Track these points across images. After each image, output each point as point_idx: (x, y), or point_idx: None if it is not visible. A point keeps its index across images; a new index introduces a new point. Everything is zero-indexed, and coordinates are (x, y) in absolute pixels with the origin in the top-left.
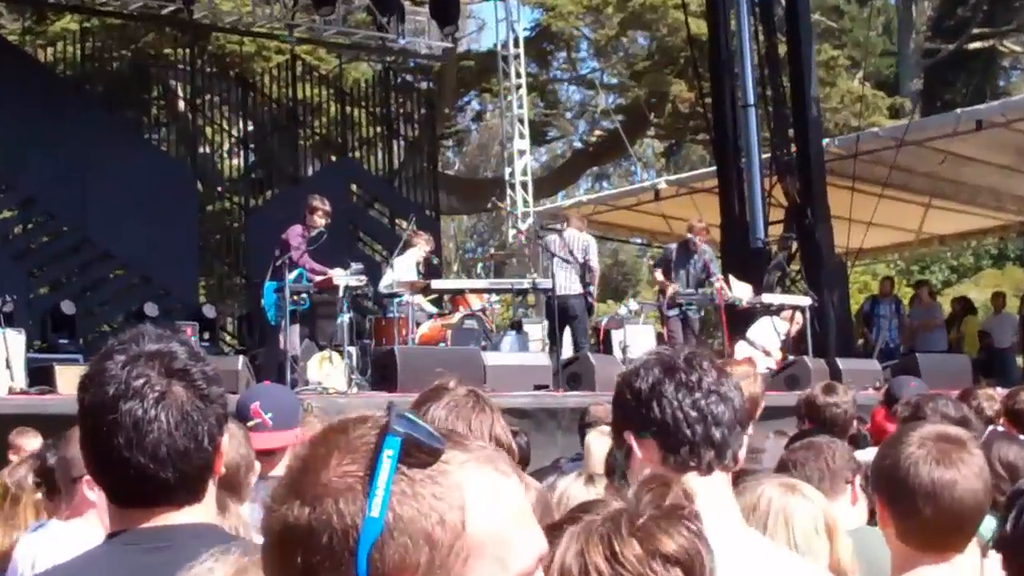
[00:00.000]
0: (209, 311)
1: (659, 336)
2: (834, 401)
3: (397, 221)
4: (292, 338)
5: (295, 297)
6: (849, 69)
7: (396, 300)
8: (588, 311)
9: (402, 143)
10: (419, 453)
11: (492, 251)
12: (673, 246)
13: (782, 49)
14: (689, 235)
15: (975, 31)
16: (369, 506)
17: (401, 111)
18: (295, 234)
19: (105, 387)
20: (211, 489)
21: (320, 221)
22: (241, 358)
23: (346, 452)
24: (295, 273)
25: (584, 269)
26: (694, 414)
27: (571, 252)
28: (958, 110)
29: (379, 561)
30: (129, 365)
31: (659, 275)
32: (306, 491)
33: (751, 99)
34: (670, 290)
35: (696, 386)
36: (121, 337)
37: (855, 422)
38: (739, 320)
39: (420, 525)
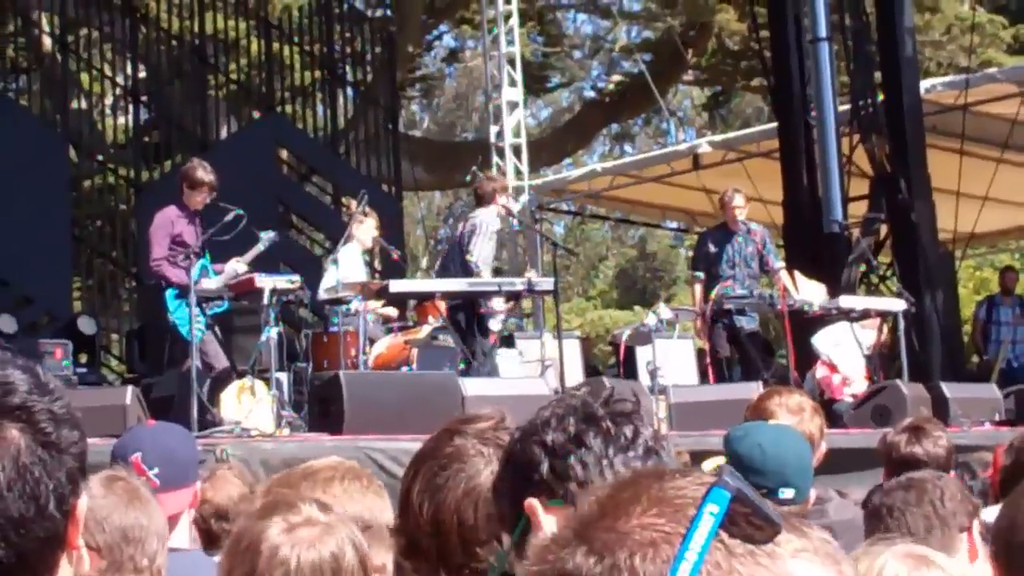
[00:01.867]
0: (87, 325)
1: (700, 353)
2: (921, 452)
3: (343, 200)
4: (216, 355)
5: (213, 301)
6: None
7: (342, 308)
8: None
9: (350, 93)
10: (748, 523)
11: None
12: (709, 231)
13: None
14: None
15: None
16: (674, 570)
17: (348, 50)
18: (161, 222)
19: None
20: (65, 571)
21: (201, 199)
22: (130, 389)
23: (656, 501)
24: (197, 266)
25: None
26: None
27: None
28: None
29: None
30: None
31: (697, 289)
32: (596, 537)
33: (823, 31)
34: (715, 291)
35: (630, 443)
36: None
37: (958, 473)
38: (809, 331)
39: None
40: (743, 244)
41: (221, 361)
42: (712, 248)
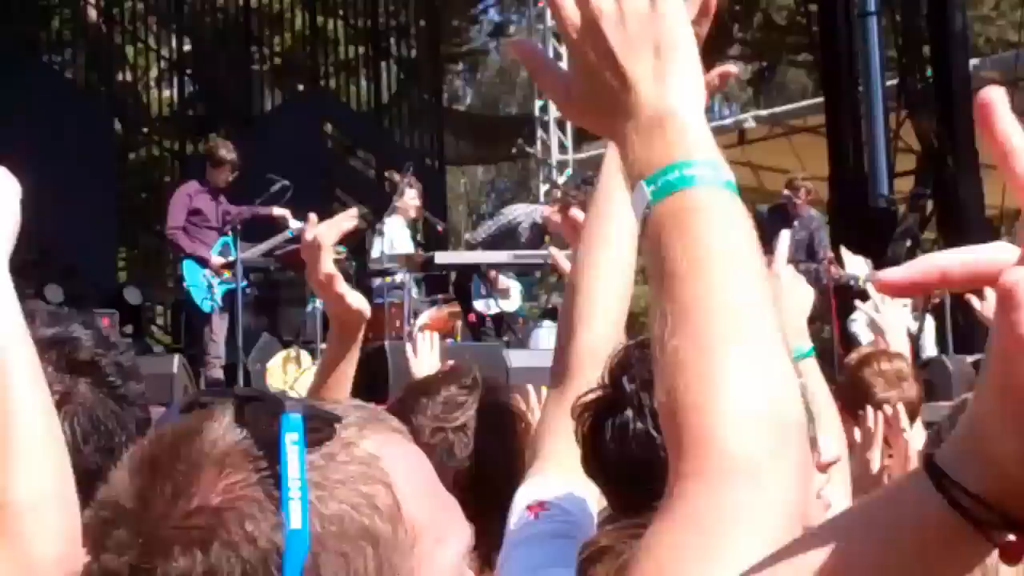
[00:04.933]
0: (132, 295)
1: None
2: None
3: (387, 173)
4: (217, 332)
5: (227, 274)
6: None
7: (388, 280)
8: None
9: (394, 68)
10: (312, 431)
11: None
12: (764, 209)
13: None
14: (787, 193)
15: None
16: (286, 516)
17: (393, 24)
18: (179, 195)
19: None
20: None
21: (224, 177)
22: (176, 357)
23: (214, 461)
24: (219, 242)
25: None
26: None
27: None
28: None
29: None
30: None
31: None
32: (173, 534)
33: (872, 5)
34: None
35: None
36: None
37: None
38: (854, 307)
39: (355, 521)
40: (798, 229)
41: (219, 347)
42: (765, 225)
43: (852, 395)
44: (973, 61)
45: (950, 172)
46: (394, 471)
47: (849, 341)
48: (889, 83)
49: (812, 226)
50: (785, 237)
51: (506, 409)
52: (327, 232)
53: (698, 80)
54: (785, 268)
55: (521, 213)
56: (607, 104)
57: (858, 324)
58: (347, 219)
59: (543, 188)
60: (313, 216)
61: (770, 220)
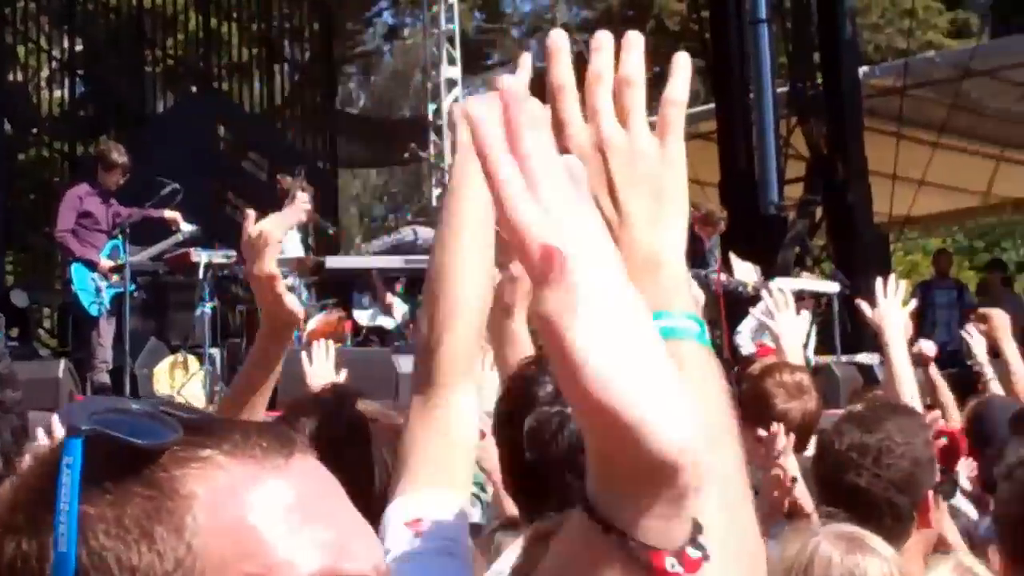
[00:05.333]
0: (19, 298)
1: None
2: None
3: (279, 176)
4: (104, 336)
5: (116, 277)
6: None
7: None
8: None
9: (288, 70)
10: (121, 456)
11: (410, 218)
12: None
13: None
14: (695, 221)
15: None
16: (55, 538)
17: (287, 26)
18: (69, 197)
19: None
20: None
21: (115, 180)
22: (62, 362)
23: (21, 476)
24: (108, 246)
25: None
26: None
27: None
28: None
29: None
30: None
31: None
32: None
33: (763, 12)
34: None
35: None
36: None
37: None
38: (743, 312)
39: (122, 556)
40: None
41: (106, 352)
42: None
43: (753, 405)
44: (862, 68)
45: (839, 179)
46: (207, 505)
47: (734, 351)
48: (780, 90)
49: (713, 247)
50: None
51: (356, 419)
52: (275, 227)
53: (684, 229)
54: None
55: (421, 232)
56: None
57: (742, 336)
58: (295, 213)
59: (436, 192)
60: (251, 212)
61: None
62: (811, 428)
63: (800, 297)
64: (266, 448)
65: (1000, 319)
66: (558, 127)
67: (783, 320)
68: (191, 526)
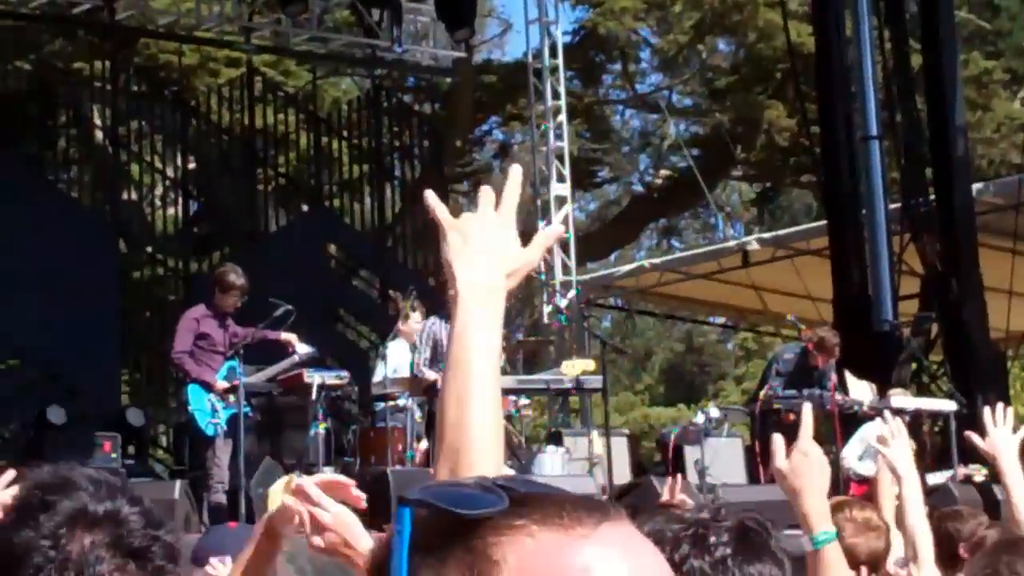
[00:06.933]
0: (135, 417)
1: (748, 451)
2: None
3: (391, 294)
4: (220, 456)
5: (232, 398)
6: (1009, 86)
7: (390, 404)
8: None
9: (398, 188)
10: (445, 524)
11: (520, 336)
12: (788, 352)
13: (916, 60)
14: (810, 347)
15: None
16: None
17: (397, 144)
18: (187, 319)
19: (26, 556)
20: None
21: (232, 302)
22: (179, 483)
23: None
24: (224, 367)
25: None
26: None
27: None
28: None
29: None
30: (64, 530)
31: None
32: None
33: (874, 129)
34: (763, 393)
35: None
36: (41, 478)
37: None
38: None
39: None
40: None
41: (222, 472)
42: (783, 367)
43: None
44: (976, 185)
45: (954, 295)
46: (514, 573)
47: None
48: (892, 206)
49: (831, 373)
50: (808, 411)
51: None
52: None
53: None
54: (812, 446)
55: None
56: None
57: (848, 460)
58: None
59: (547, 309)
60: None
61: (793, 362)
62: (878, 565)
63: (917, 415)
64: (575, 516)
65: None
66: None
67: (897, 448)
68: None
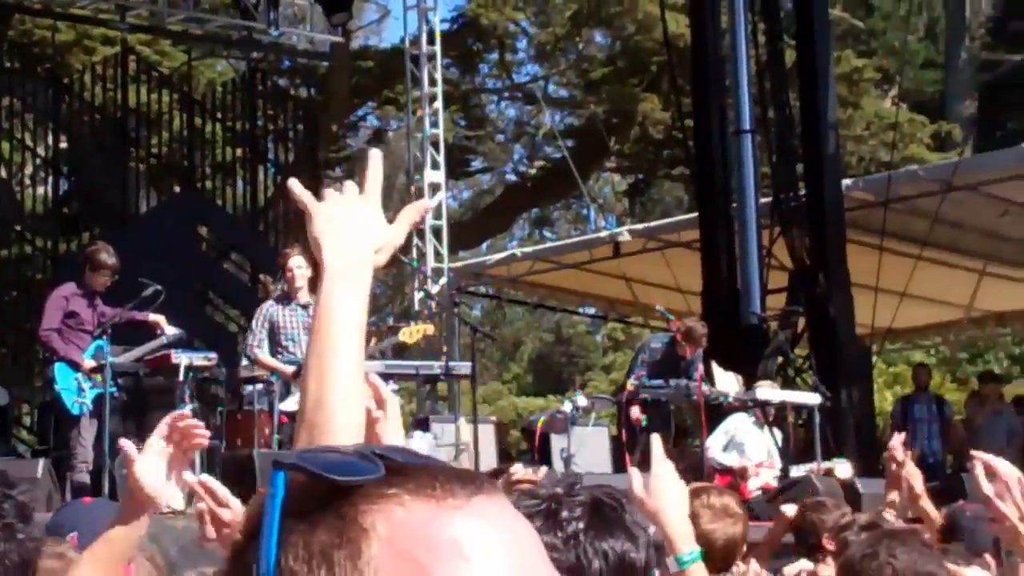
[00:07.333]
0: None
1: (615, 440)
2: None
3: (262, 278)
4: (85, 436)
5: (98, 377)
6: (880, 85)
7: (258, 386)
8: None
9: (272, 171)
10: (319, 490)
11: (390, 322)
12: (655, 342)
13: (790, 56)
14: (678, 337)
15: None
16: (258, 561)
17: (271, 127)
18: (56, 298)
19: None
20: None
21: (103, 281)
22: (42, 462)
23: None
24: (92, 346)
25: None
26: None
27: None
28: None
29: None
30: None
31: (635, 411)
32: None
33: (747, 123)
34: (630, 384)
35: None
36: None
37: None
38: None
39: None
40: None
41: (86, 451)
42: (654, 357)
43: None
44: (846, 181)
45: (821, 290)
46: (383, 543)
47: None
48: (763, 200)
49: (698, 363)
50: (657, 441)
51: None
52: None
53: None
54: (666, 465)
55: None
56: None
57: (712, 450)
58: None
59: (417, 296)
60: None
61: (662, 353)
62: (733, 552)
63: (780, 407)
64: (448, 488)
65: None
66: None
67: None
68: (367, 556)
